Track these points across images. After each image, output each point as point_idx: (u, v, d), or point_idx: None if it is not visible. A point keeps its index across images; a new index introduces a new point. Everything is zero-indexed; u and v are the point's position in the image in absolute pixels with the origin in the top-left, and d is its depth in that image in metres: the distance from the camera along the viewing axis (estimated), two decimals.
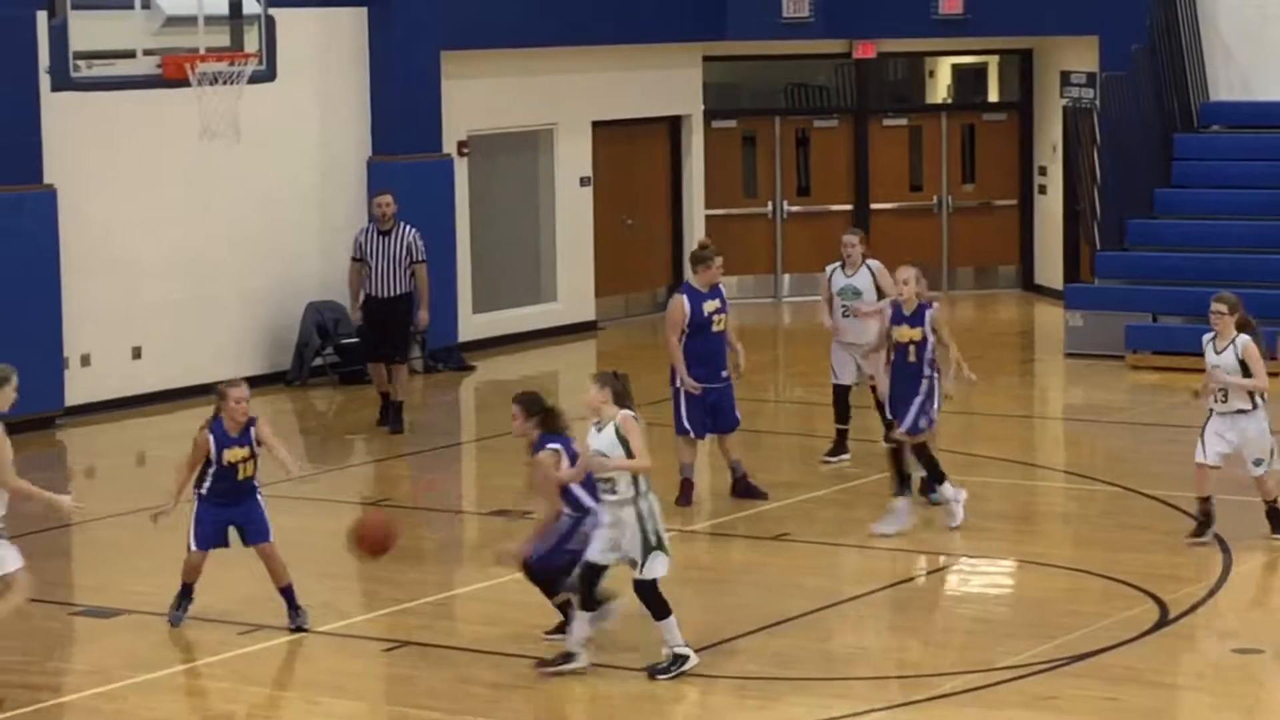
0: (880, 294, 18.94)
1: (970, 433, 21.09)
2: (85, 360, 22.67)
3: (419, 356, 25.15)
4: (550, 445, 13.63)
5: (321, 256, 24.83)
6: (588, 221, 28.63)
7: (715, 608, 15.24)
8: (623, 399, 13.42)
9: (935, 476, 17.20)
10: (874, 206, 31.25)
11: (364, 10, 25.32)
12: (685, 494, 18.15)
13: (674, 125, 30.03)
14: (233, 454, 14.28)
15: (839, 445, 19.75)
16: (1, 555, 13.21)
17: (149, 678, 13.73)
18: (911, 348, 17.11)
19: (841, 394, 19.56)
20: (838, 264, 19.69)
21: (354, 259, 22.22)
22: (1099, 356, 25.07)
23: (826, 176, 31.30)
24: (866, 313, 18.75)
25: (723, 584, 16.20)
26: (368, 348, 22.56)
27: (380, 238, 21.83)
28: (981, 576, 16.50)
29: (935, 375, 17.13)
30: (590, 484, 13.51)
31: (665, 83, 29.48)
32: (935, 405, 17.13)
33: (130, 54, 20.76)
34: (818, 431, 20.73)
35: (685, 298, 18.13)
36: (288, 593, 14.38)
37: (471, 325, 26.62)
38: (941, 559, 16.60)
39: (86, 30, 19.63)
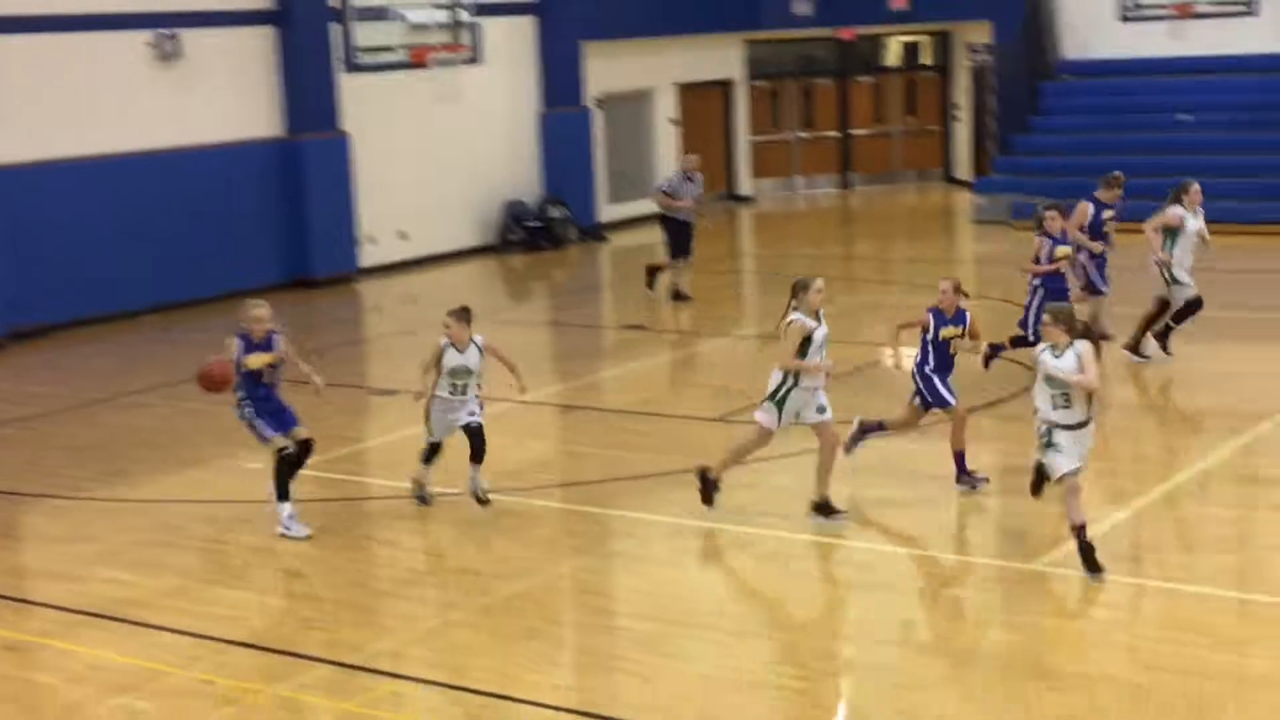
0: None
1: (923, 269, 21.01)
2: (372, 240, 22.71)
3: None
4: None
5: (510, 172, 24.81)
6: None
7: None
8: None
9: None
10: (853, 132, 30.89)
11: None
12: None
13: None
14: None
15: None
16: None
17: None
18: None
19: None
20: None
21: (664, 192, 19.89)
22: (994, 223, 24.83)
23: (823, 117, 30.89)
24: None
25: None
26: (681, 250, 19.86)
27: (687, 182, 19.74)
28: None
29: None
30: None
31: None
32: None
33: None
34: None
35: None
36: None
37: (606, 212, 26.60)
38: None
39: None
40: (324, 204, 21.68)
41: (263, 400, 10.84)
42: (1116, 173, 15.63)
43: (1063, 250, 14.29)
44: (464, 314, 11.03)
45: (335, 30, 21.60)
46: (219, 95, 20.83)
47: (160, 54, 20.08)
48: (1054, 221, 14.33)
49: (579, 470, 12.37)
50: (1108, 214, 15.29)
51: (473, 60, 22.78)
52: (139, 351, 18.03)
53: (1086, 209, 15.25)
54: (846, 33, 29.77)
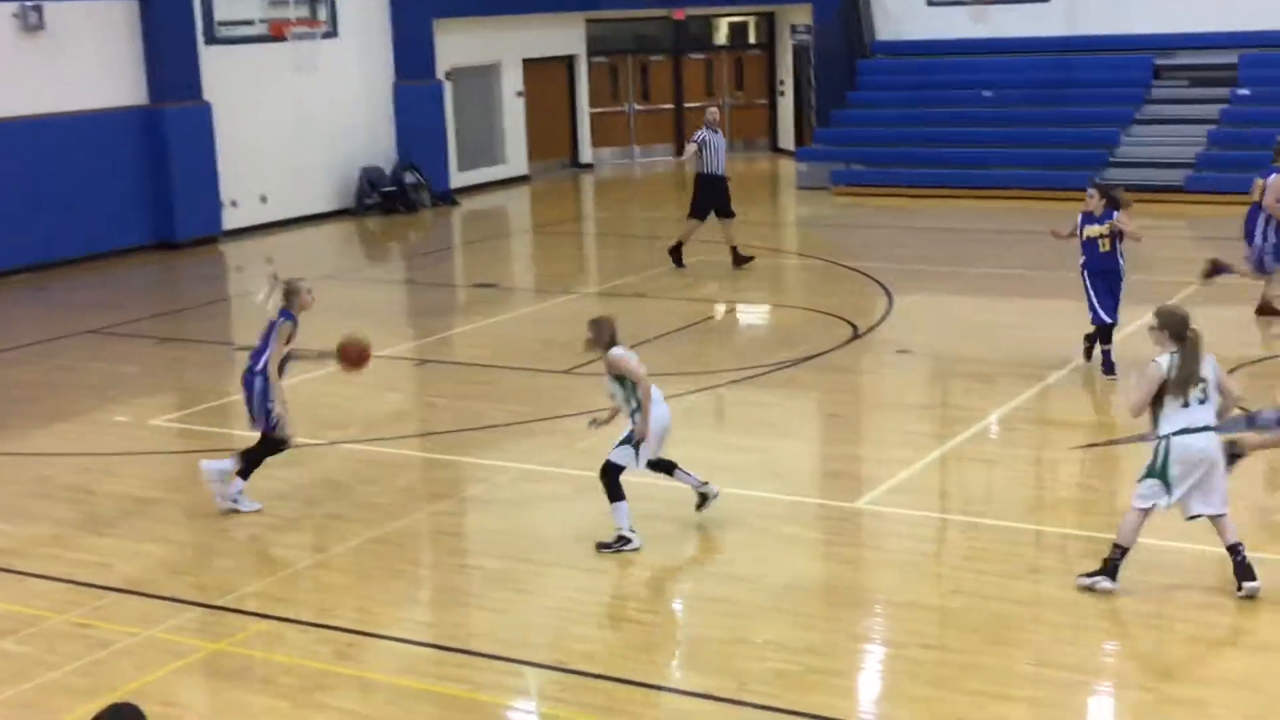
0: None
1: (749, 231, 21.11)
2: (234, 204, 22.25)
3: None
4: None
5: (366, 140, 24.48)
6: None
7: None
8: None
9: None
10: (686, 105, 30.92)
11: None
12: None
13: None
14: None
15: None
16: None
17: None
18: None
19: None
20: None
21: (695, 144, 18.23)
22: (816, 189, 25.13)
23: (658, 91, 30.93)
24: None
25: None
26: (720, 210, 18.31)
27: (714, 135, 18.28)
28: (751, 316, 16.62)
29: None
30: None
31: None
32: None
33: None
34: None
35: None
36: None
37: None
38: None
39: None
40: (187, 169, 21.18)
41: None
42: None
43: (1094, 229, 12.58)
44: (591, 326, 9.09)
45: (196, 4, 21.06)
46: (83, 65, 20.26)
47: (25, 25, 19.44)
48: (1091, 200, 12.61)
49: (435, 421, 12.28)
50: None
51: (330, 34, 22.44)
52: (12, 311, 17.47)
53: None
54: (679, 13, 29.84)
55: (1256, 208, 14.31)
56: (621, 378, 9.03)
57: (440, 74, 25.55)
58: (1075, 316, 15.12)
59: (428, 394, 13.39)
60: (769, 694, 7.19)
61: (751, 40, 31.41)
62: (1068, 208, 22.90)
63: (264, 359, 9.74)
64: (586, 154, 29.93)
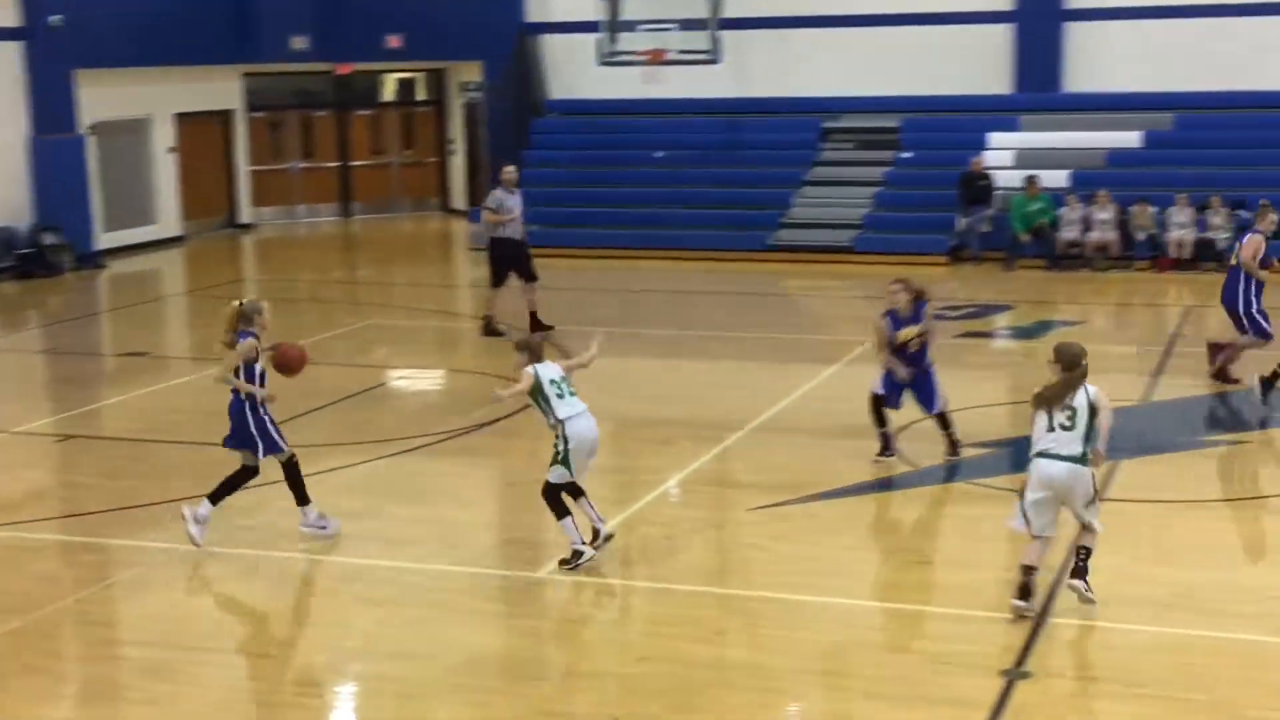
0: None
1: (420, 294, 20.95)
2: None
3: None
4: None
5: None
6: None
7: None
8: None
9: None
10: (353, 163, 30.69)
11: None
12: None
13: None
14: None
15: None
16: None
17: None
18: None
19: None
20: None
21: (490, 209, 17.89)
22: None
23: (323, 148, 30.59)
24: None
25: None
26: (520, 275, 17.93)
27: (510, 196, 17.78)
28: None
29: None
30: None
31: None
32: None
33: None
34: None
35: None
36: None
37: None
38: None
39: None
40: None
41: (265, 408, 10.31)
42: (1264, 200, 14.50)
43: (907, 332, 11.58)
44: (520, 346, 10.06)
45: None
46: None
47: None
48: (898, 297, 11.55)
49: (79, 501, 11.67)
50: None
51: None
52: None
53: (1259, 241, 13.94)
54: (344, 67, 29.61)
55: (1235, 271, 14.18)
56: (536, 396, 9.78)
57: (83, 128, 24.59)
58: (752, 378, 15.62)
59: (71, 472, 12.73)
60: None
61: (421, 97, 31.44)
62: (744, 268, 23.79)
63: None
64: (246, 214, 29.27)
